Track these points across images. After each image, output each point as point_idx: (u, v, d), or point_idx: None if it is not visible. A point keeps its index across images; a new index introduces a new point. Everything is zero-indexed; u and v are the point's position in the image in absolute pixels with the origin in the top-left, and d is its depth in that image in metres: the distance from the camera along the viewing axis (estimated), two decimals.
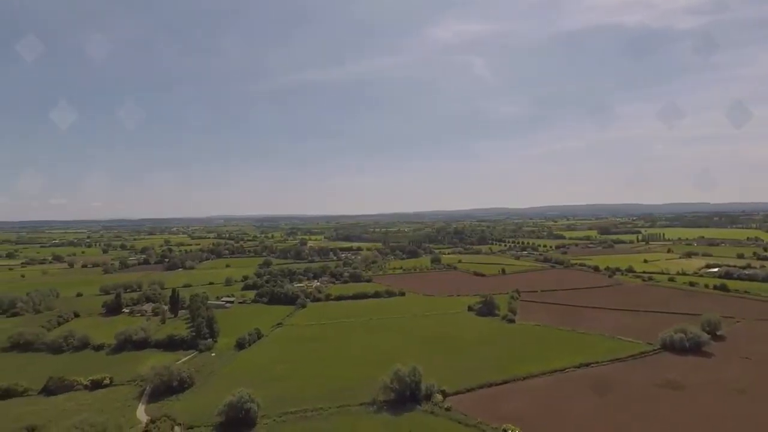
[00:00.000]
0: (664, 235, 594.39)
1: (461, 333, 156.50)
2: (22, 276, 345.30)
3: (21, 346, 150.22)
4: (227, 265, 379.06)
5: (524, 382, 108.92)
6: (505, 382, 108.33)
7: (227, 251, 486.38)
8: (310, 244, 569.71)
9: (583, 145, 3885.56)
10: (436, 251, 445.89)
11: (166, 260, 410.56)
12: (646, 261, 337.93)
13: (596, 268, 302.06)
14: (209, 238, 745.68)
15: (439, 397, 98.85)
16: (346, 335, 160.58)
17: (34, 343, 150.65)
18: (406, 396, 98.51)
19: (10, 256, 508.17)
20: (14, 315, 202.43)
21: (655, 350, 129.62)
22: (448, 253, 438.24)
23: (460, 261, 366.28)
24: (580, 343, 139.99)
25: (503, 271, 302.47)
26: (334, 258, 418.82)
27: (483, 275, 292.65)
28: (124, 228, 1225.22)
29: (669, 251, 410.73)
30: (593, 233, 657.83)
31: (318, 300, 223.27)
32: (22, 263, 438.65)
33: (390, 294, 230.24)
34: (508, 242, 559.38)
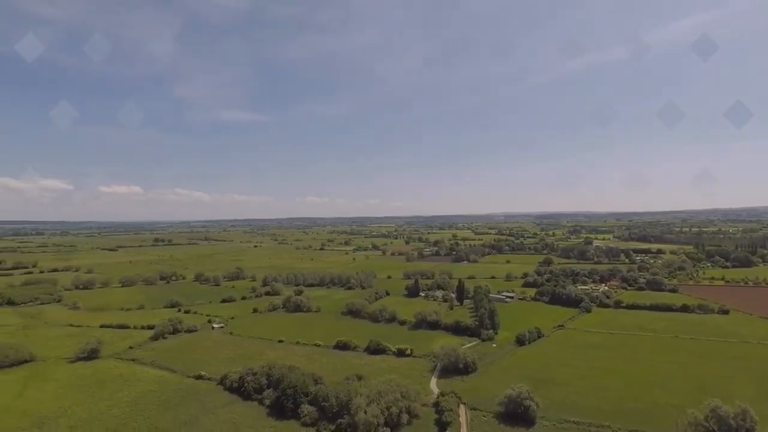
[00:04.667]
0: None
1: None
2: (353, 259, 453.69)
3: (352, 312, 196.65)
4: (507, 261, 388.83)
5: None
6: None
7: (507, 247, 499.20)
8: (596, 243, 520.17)
9: None
10: None
11: (454, 253, 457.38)
12: None
13: None
14: (491, 234, 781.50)
15: None
16: (639, 350, 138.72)
17: (361, 312, 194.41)
18: None
19: (346, 243, 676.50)
20: (349, 288, 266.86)
21: None
22: None
23: None
24: None
25: None
26: (626, 260, 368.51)
27: None
28: (420, 223, 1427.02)
29: None
30: None
31: (605, 306, 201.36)
32: (353, 249, 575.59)
33: (705, 310, 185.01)
34: None
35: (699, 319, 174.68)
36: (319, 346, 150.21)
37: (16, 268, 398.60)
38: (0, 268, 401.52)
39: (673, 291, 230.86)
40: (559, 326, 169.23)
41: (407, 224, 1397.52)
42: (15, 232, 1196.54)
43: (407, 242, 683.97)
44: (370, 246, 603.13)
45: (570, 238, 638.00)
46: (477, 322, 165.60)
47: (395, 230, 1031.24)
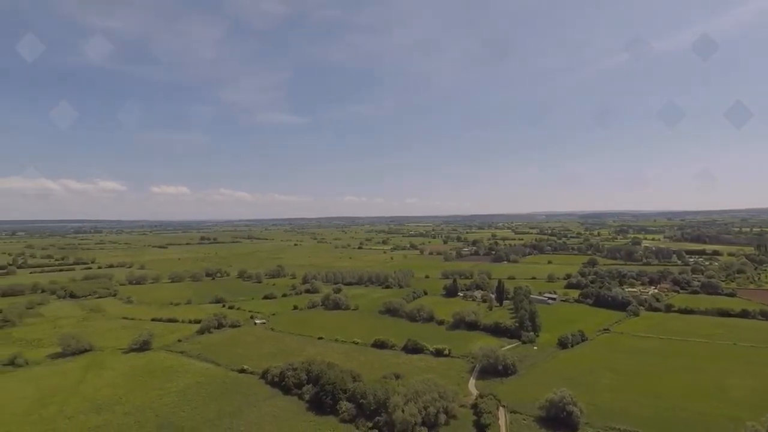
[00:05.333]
0: None
1: None
2: (391, 258, 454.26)
3: (390, 311, 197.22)
4: (549, 262, 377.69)
5: None
6: None
7: (549, 247, 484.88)
8: (644, 243, 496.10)
9: None
10: None
11: (493, 252, 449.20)
12: None
13: None
14: (531, 233, 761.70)
15: None
16: (693, 357, 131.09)
17: (398, 311, 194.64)
18: None
19: (384, 242, 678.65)
20: (386, 287, 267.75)
21: None
22: None
23: None
24: None
25: None
26: (678, 262, 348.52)
27: None
28: (458, 222, 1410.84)
29: None
30: None
31: (655, 309, 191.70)
32: (391, 248, 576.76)
33: (767, 316, 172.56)
34: None
35: (761, 326, 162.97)
36: (357, 343, 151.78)
37: (77, 263, 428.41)
38: (63, 263, 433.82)
39: (731, 295, 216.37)
40: (605, 330, 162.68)
41: (445, 223, 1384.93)
42: (76, 230, 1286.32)
43: (445, 242, 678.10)
44: (408, 245, 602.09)
45: (616, 238, 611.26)
46: (517, 324, 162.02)
47: (433, 229, 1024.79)
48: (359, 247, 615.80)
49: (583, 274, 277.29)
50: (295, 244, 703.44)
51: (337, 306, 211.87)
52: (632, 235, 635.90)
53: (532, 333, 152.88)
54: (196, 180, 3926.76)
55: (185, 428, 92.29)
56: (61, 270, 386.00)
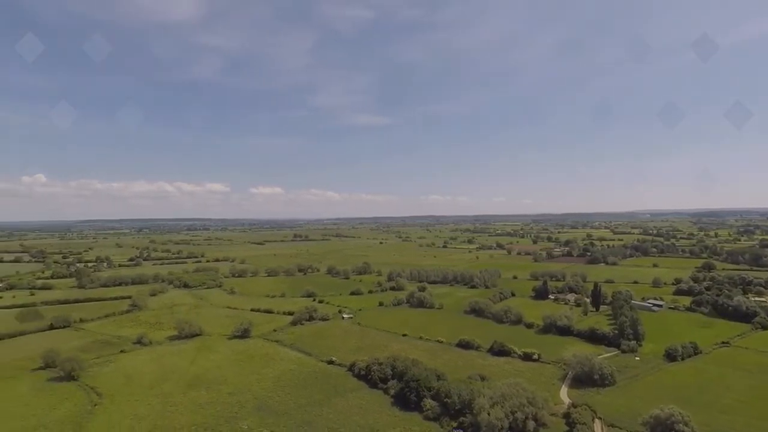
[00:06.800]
0: None
1: None
2: (477, 258, 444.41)
3: (476, 312, 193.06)
4: (654, 265, 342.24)
5: None
6: None
7: (654, 249, 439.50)
8: None
9: None
10: None
11: (588, 254, 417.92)
12: None
13: None
14: (633, 233, 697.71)
15: None
16: None
17: (484, 311, 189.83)
18: None
19: (469, 242, 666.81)
20: (472, 287, 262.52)
21: None
22: None
23: None
24: None
25: None
26: None
27: None
28: (549, 222, 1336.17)
29: None
30: None
31: None
32: (476, 248, 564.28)
33: None
34: None
35: None
36: (442, 342, 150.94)
37: (189, 257, 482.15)
38: (179, 257, 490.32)
39: None
40: (723, 343, 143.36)
41: (535, 222, 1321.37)
42: (188, 227, 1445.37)
43: (535, 241, 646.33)
44: (495, 245, 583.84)
45: (739, 240, 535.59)
46: (616, 331, 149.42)
47: (521, 228, 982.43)
48: (444, 246, 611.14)
49: (696, 280, 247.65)
50: (381, 243, 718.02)
51: (421, 304, 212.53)
52: (760, 236, 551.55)
53: (633, 342, 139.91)
54: (289, 181, 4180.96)
55: (279, 411, 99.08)
56: (176, 263, 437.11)
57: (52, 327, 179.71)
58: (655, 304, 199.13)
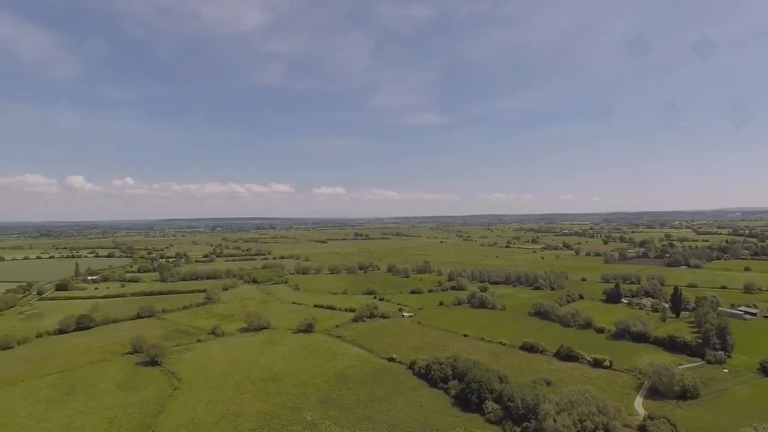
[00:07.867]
0: None
1: None
2: (542, 258, 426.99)
3: (540, 314, 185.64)
4: (746, 268, 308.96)
5: None
6: None
7: (746, 251, 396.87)
8: None
9: None
10: None
11: (667, 255, 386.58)
12: None
13: None
14: (720, 234, 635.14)
15: None
16: None
17: (550, 314, 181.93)
18: None
19: (533, 241, 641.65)
20: (536, 288, 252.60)
21: None
22: None
23: None
24: None
25: None
26: None
27: None
28: (622, 221, 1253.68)
29: None
30: None
31: None
32: (541, 248, 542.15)
33: None
34: None
35: None
36: (504, 344, 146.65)
37: (258, 254, 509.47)
38: (248, 254, 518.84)
39: None
40: None
41: (605, 222, 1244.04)
42: (257, 226, 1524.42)
43: (606, 242, 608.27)
44: (561, 245, 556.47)
45: None
46: (700, 340, 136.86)
47: (591, 228, 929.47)
48: (506, 246, 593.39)
49: None
50: (441, 242, 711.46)
51: (483, 304, 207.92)
52: None
53: (721, 352, 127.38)
54: (350, 181, 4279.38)
55: (341, 405, 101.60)
56: (246, 260, 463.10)
57: (138, 316, 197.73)
58: (747, 312, 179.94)
